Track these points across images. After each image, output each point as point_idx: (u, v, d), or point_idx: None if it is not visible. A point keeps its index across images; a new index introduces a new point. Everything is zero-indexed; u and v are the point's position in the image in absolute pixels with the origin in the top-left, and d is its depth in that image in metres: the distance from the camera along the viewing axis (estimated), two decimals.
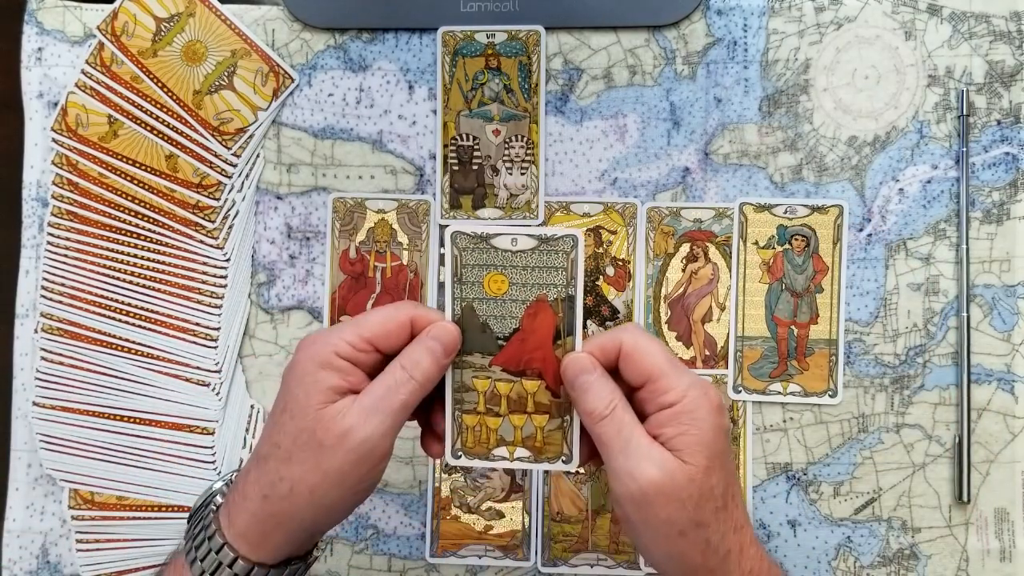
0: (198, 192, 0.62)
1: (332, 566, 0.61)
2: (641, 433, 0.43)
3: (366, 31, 0.62)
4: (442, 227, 0.61)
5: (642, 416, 0.44)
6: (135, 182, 0.61)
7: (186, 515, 0.59)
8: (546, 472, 0.61)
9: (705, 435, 0.43)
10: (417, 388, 0.44)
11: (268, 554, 0.45)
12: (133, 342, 0.61)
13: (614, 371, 0.45)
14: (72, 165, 0.62)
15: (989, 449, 0.60)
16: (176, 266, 0.62)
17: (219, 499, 0.49)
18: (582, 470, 0.61)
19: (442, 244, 0.58)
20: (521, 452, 0.47)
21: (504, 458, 0.47)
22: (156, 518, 0.61)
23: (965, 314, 0.59)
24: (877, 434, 0.60)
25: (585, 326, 0.61)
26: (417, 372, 0.44)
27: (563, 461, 0.47)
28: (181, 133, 0.62)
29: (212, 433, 0.61)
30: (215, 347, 0.61)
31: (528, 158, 0.62)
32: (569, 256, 0.46)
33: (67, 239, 0.62)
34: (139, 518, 0.61)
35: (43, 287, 0.61)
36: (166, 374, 0.61)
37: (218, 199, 0.62)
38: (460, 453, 0.47)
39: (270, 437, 0.45)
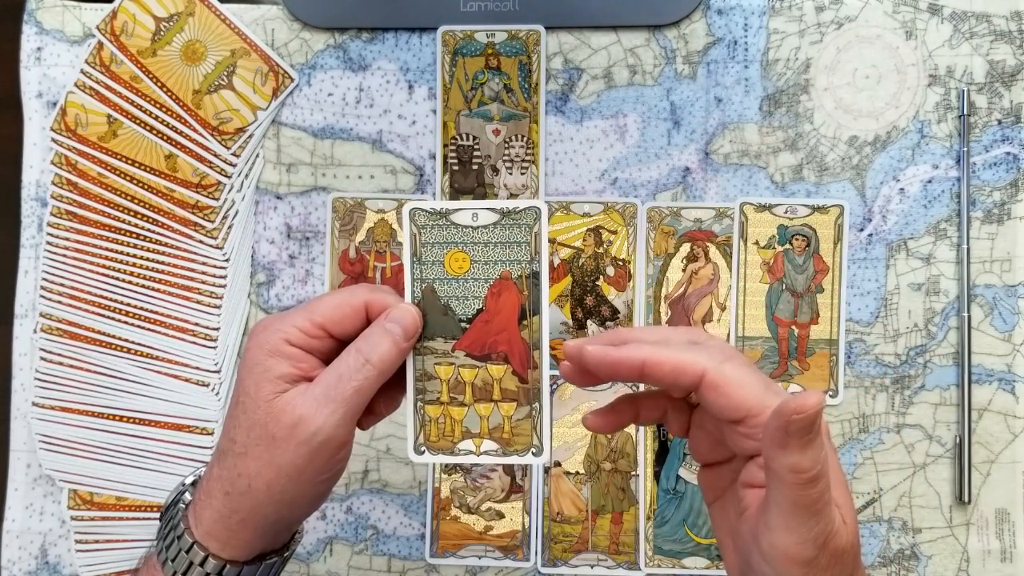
0: (197, 192, 0.62)
1: (332, 566, 0.61)
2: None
3: (366, 31, 0.62)
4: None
5: (735, 453, 0.41)
6: (134, 182, 0.61)
7: None
8: (546, 471, 0.61)
9: (838, 474, 0.38)
10: (374, 374, 0.42)
11: (238, 551, 0.43)
12: (132, 342, 0.61)
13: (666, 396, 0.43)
14: (71, 165, 0.61)
15: (990, 449, 0.59)
16: (175, 266, 0.62)
17: (188, 496, 0.46)
18: (582, 470, 0.61)
19: None
20: (488, 445, 0.45)
21: (470, 452, 0.45)
22: (155, 518, 0.61)
23: (966, 314, 0.59)
24: (878, 434, 0.60)
25: (585, 326, 0.61)
26: (375, 356, 0.42)
27: (533, 454, 0.45)
28: (180, 133, 0.62)
29: (211, 433, 0.61)
30: (214, 347, 0.61)
31: (528, 158, 0.61)
32: (532, 230, 0.43)
33: (66, 239, 0.61)
34: (138, 518, 0.61)
35: (42, 287, 0.61)
36: (165, 374, 0.61)
37: (217, 199, 0.61)
38: (423, 448, 0.45)
39: (227, 432, 0.43)
